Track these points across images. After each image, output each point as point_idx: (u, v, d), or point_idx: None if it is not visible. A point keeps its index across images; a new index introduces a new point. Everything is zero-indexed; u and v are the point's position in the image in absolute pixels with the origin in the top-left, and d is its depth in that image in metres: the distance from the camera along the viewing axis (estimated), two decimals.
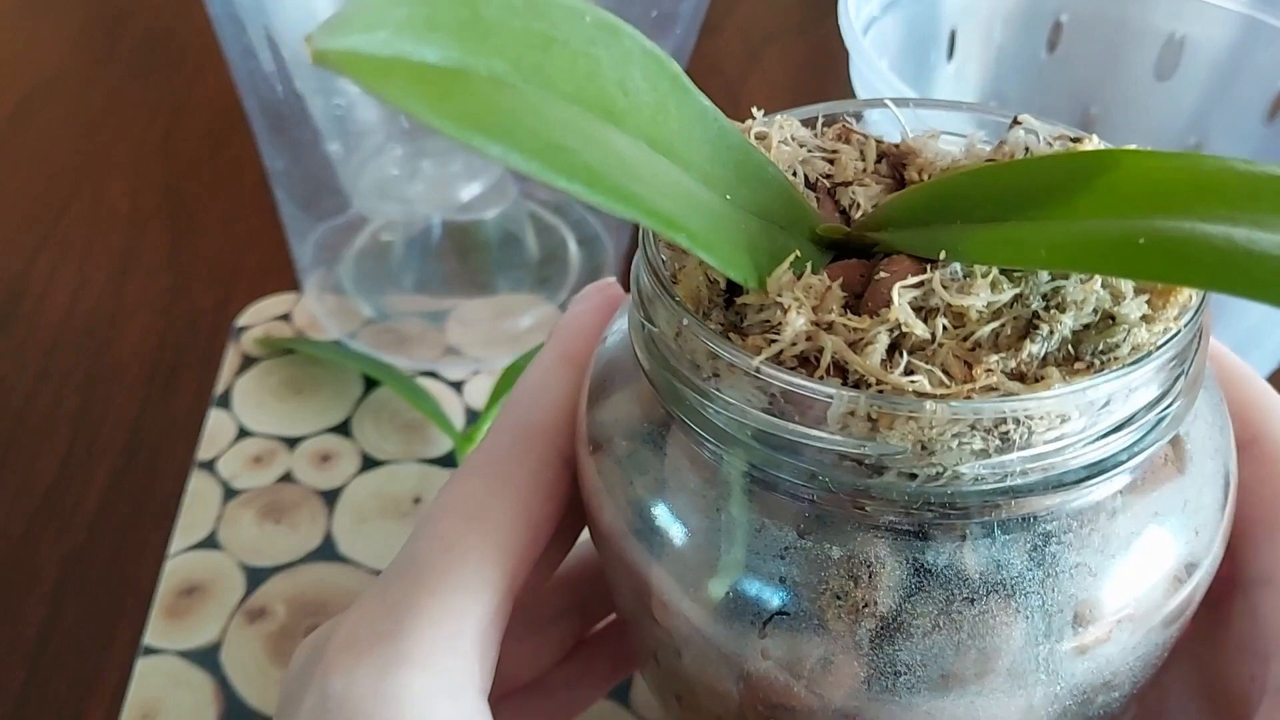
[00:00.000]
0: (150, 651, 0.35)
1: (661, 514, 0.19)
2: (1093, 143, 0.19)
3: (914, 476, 0.16)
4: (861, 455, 0.16)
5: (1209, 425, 0.20)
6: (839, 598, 0.17)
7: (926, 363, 0.16)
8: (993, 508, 0.17)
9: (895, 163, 0.21)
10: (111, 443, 0.42)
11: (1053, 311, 0.17)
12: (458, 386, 0.44)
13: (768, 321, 0.17)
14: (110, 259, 0.51)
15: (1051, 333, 0.17)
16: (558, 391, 0.22)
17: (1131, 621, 0.18)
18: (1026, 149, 0.20)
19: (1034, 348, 0.17)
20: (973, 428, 0.16)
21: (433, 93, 0.14)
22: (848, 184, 0.20)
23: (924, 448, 0.16)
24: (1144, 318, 0.17)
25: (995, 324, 0.17)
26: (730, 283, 0.18)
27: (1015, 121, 0.20)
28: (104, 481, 0.41)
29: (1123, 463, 0.17)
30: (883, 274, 0.17)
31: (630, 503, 0.20)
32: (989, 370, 0.16)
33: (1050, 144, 0.20)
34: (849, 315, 0.17)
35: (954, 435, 0.16)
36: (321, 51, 0.14)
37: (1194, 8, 0.41)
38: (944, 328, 0.17)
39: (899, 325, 0.16)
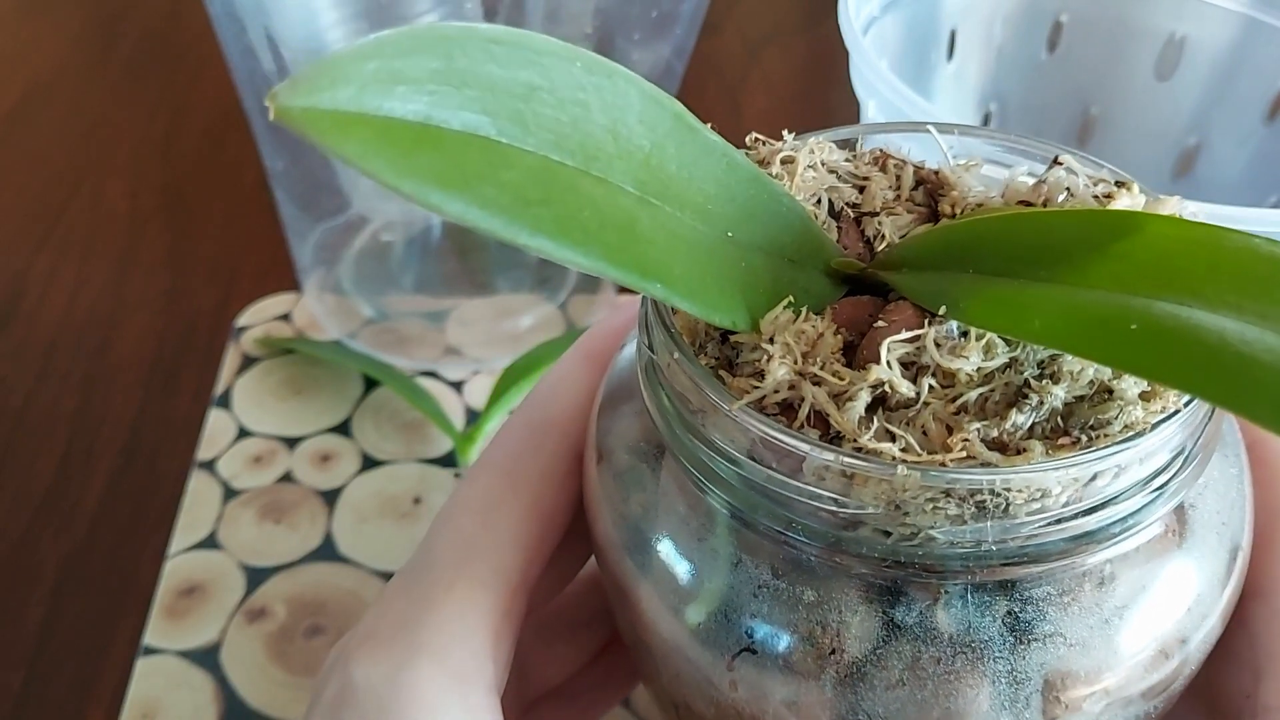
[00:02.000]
0: (150, 651, 0.35)
1: (649, 534, 0.19)
2: (1133, 192, 0.19)
3: (888, 534, 0.16)
4: (836, 509, 0.16)
5: (1220, 496, 0.19)
6: (807, 641, 0.17)
7: (908, 423, 0.16)
8: (967, 572, 0.16)
9: (932, 190, 0.20)
10: (111, 443, 0.42)
11: (1045, 381, 0.16)
12: (458, 386, 0.44)
13: (758, 362, 0.17)
14: (110, 259, 0.51)
15: (1041, 403, 0.16)
16: (575, 388, 0.22)
17: (1107, 694, 0.17)
18: (1068, 189, 0.19)
19: (1020, 418, 0.16)
20: (947, 495, 0.16)
21: (394, 151, 0.14)
22: (874, 214, 0.20)
23: (897, 508, 0.16)
24: (1143, 395, 0.17)
25: (984, 389, 0.16)
26: None
27: (1056, 161, 0.20)
28: (103, 481, 0.41)
29: (1114, 536, 0.17)
30: (881, 323, 0.17)
31: (624, 517, 0.20)
32: (966, 440, 0.16)
33: (1091, 185, 0.19)
34: (837, 365, 0.17)
35: (928, 500, 0.16)
36: (284, 109, 0.13)
37: (1194, 8, 0.41)
38: (930, 387, 0.16)
39: (882, 383, 0.16)
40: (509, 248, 0.49)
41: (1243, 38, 0.41)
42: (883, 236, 0.19)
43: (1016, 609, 0.17)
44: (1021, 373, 0.17)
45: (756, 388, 0.17)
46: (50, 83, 0.63)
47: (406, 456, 0.41)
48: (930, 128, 0.21)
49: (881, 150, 0.21)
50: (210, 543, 0.38)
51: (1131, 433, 0.16)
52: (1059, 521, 0.16)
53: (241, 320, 0.47)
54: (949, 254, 0.18)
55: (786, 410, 0.17)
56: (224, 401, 0.43)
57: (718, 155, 0.18)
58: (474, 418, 0.43)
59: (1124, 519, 0.17)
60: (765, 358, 0.17)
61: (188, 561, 0.38)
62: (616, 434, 0.21)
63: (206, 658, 0.35)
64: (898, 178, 0.20)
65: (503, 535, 0.21)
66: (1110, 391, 0.16)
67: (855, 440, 0.16)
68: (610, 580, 0.21)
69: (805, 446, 0.16)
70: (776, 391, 0.17)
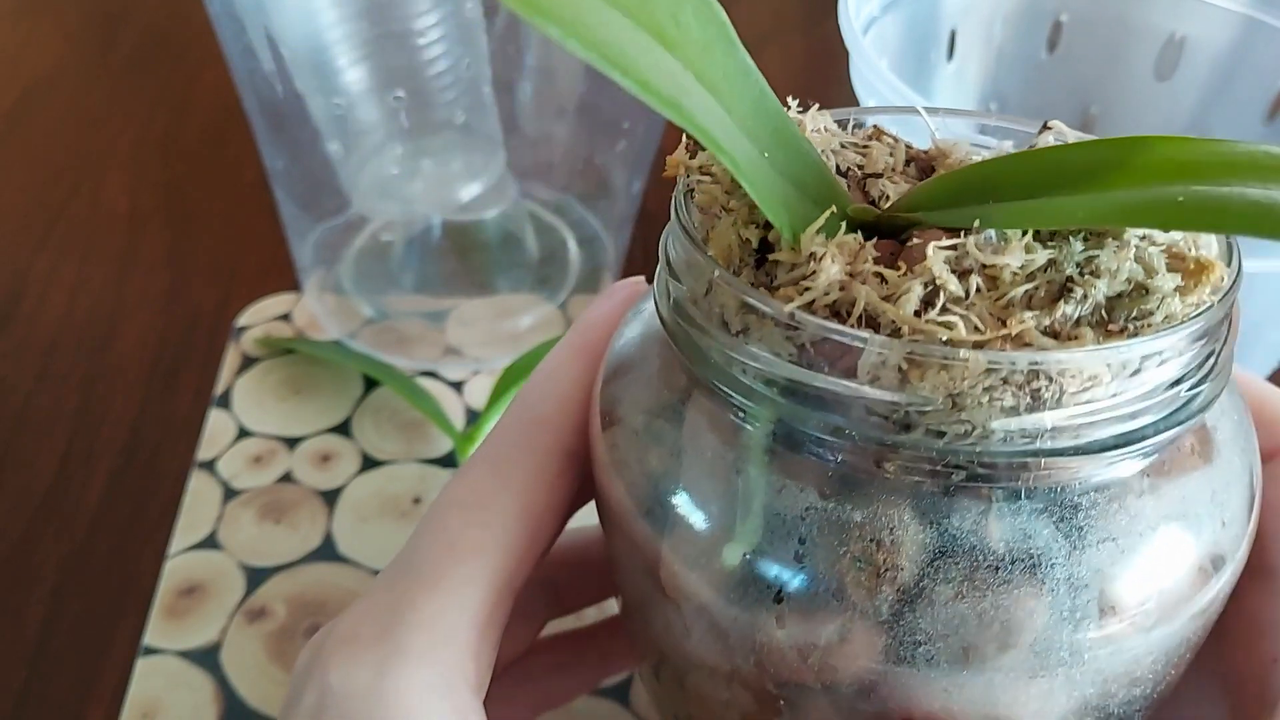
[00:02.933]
0: (150, 651, 0.35)
1: (676, 484, 0.19)
2: None
3: (942, 434, 0.16)
4: (890, 409, 0.16)
5: (1235, 425, 0.20)
6: (859, 562, 0.17)
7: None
8: (1020, 470, 0.17)
9: (924, 167, 0.20)
10: (111, 443, 0.42)
11: (1087, 277, 0.17)
12: (458, 386, 0.44)
13: (799, 278, 0.17)
14: (109, 258, 0.51)
15: (1085, 296, 0.17)
16: (567, 384, 0.22)
17: (1158, 607, 0.18)
18: None
19: (1068, 308, 0.17)
20: (1005, 381, 0.16)
21: None
22: (878, 175, 0.20)
23: (954, 402, 0.16)
24: (1178, 289, 0.17)
25: (1029, 285, 0.17)
26: (762, 243, 0.18)
27: (1045, 126, 0.20)
28: (104, 481, 0.41)
29: (1149, 437, 0.17)
30: (916, 240, 0.17)
31: (644, 475, 0.20)
32: (1022, 322, 0.16)
33: None
34: (883, 269, 0.17)
35: (985, 389, 0.16)
36: None
37: (1194, 8, 0.41)
38: (978, 288, 0.17)
39: (932, 280, 0.16)
40: (509, 247, 0.49)
41: (1243, 38, 0.41)
42: (887, 197, 0.20)
43: (1067, 515, 0.17)
44: (1063, 270, 0.17)
45: (808, 289, 0.17)
46: (49, 81, 0.63)
47: (406, 456, 0.41)
48: (919, 109, 0.21)
49: (876, 127, 0.21)
50: (210, 543, 0.38)
51: (1174, 323, 0.17)
52: (1105, 419, 0.17)
53: (241, 320, 0.47)
54: (966, 191, 0.18)
55: (834, 317, 0.17)
56: (224, 401, 0.43)
57: (753, 80, 0.19)
58: (474, 418, 0.43)
59: (1159, 421, 0.17)
60: (813, 259, 0.17)
61: (188, 561, 0.38)
62: (629, 400, 0.20)
63: (206, 658, 0.35)
64: (891, 152, 0.21)
65: (489, 535, 0.20)
66: (1147, 289, 0.17)
67: (913, 331, 0.16)
68: (627, 546, 0.20)
69: (866, 336, 0.16)
70: (826, 294, 0.17)
